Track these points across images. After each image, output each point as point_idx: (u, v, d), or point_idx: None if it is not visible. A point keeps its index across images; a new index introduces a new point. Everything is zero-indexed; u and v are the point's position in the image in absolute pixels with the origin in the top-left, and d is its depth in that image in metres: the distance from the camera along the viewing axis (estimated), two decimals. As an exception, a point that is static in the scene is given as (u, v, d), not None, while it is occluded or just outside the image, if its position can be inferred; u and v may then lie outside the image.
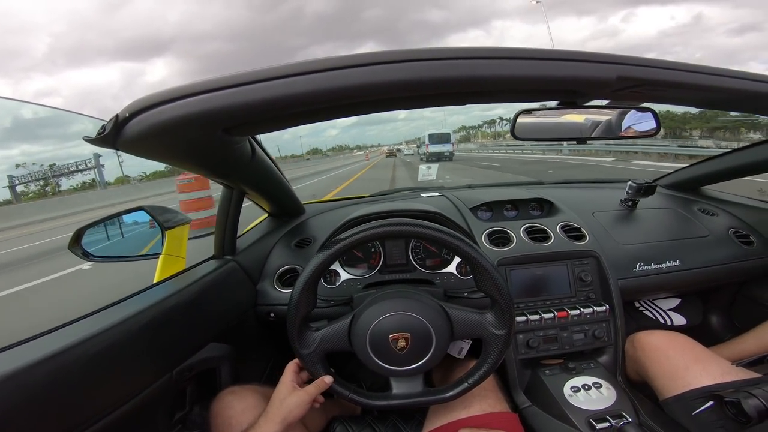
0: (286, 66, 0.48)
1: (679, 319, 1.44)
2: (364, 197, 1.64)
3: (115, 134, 0.50)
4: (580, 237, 1.17)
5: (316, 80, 0.47)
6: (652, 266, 1.16)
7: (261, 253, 1.20)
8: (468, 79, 0.50)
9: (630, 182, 1.32)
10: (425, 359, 0.75)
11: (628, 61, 0.54)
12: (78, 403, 0.61)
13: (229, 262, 1.08)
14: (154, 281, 0.96)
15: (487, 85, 0.52)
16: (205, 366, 0.93)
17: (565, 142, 0.86)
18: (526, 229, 1.19)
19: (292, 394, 0.74)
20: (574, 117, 0.80)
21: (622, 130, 0.83)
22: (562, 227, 1.20)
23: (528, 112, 0.77)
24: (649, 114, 0.82)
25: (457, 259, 1.13)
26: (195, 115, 0.49)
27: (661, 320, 1.43)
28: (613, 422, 0.86)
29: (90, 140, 0.53)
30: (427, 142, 25.28)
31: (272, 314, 1.11)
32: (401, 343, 0.74)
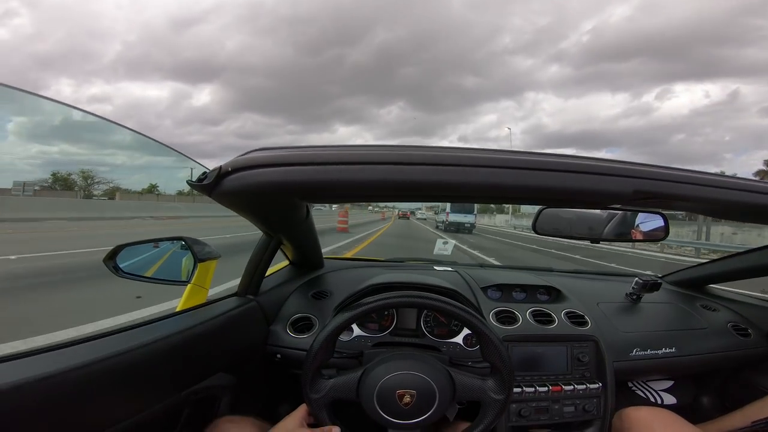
0: (369, 153, 0.56)
1: (669, 399, 1.45)
2: (379, 261, 1.76)
3: (215, 184, 0.59)
4: (583, 323, 1.25)
5: (387, 171, 0.55)
6: (648, 352, 1.23)
7: (279, 297, 1.29)
8: (512, 187, 0.58)
9: (636, 278, 1.41)
10: (426, 416, 0.81)
11: (644, 175, 0.60)
12: (91, 412, 0.65)
13: (250, 302, 1.16)
14: (178, 308, 1.03)
15: (524, 192, 0.61)
16: (209, 393, 0.99)
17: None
18: (532, 312, 1.27)
19: (299, 430, 0.81)
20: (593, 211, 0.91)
21: (633, 229, 0.95)
22: (567, 314, 1.27)
23: (549, 209, 0.90)
24: (660, 218, 0.94)
25: (464, 332, 1.20)
26: (288, 184, 0.57)
27: (652, 399, 1.44)
28: None
29: (192, 184, 0.63)
30: (448, 210, 23.93)
31: (279, 355, 1.17)
32: (407, 399, 0.80)
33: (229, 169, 0.57)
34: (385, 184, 0.58)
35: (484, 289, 1.38)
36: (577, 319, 1.26)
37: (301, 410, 0.85)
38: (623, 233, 0.98)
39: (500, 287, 1.41)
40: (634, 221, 1.00)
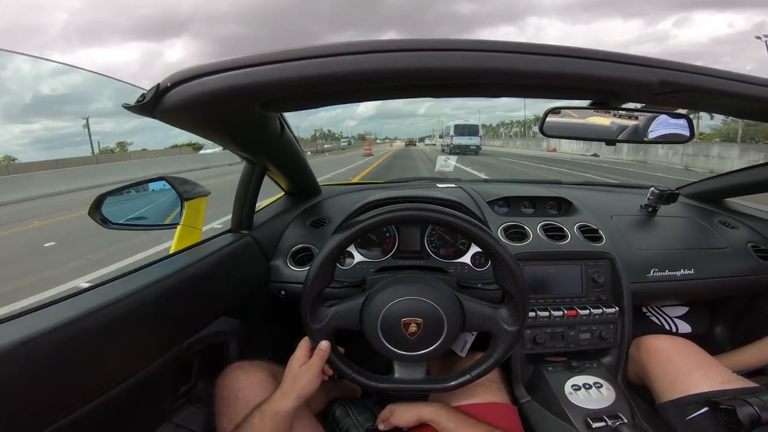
0: (327, 46, 0.49)
1: (684, 327, 1.42)
2: (379, 183, 1.65)
3: (154, 103, 0.52)
4: (597, 238, 1.16)
5: (354, 61, 0.49)
6: (666, 273, 1.15)
7: (276, 230, 1.22)
8: (513, 72, 0.51)
9: (652, 188, 1.30)
10: (433, 347, 0.75)
11: (673, 66, 0.55)
12: (84, 375, 0.61)
13: (245, 237, 1.10)
14: (171, 252, 0.98)
15: (531, 79, 0.53)
16: (215, 340, 0.95)
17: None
18: (543, 226, 1.18)
19: (303, 367, 0.76)
20: (603, 119, 0.80)
21: (652, 134, 0.82)
22: (580, 227, 1.18)
23: (557, 111, 0.78)
24: (684, 121, 0.81)
25: (472, 250, 1.11)
26: (236, 89, 0.50)
27: (667, 327, 1.42)
28: (610, 422, 0.87)
29: (129, 107, 0.55)
30: (452, 133, 24.54)
31: (283, 291, 1.12)
32: (412, 328, 0.74)
33: (168, 84, 0.51)
34: (355, 77, 0.50)
35: (491, 203, 1.29)
36: (591, 233, 1.17)
37: (302, 348, 0.80)
38: (639, 134, 0.85)
39: (508, 201, 1.32)
40: (650, 125, 0.86)
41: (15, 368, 0.51)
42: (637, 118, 0.82)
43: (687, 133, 0.81)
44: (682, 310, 1.45)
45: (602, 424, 0.87)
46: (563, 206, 1.32)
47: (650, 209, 1.31)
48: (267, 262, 1.15)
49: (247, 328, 1.06)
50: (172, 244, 1.04)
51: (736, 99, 0.62)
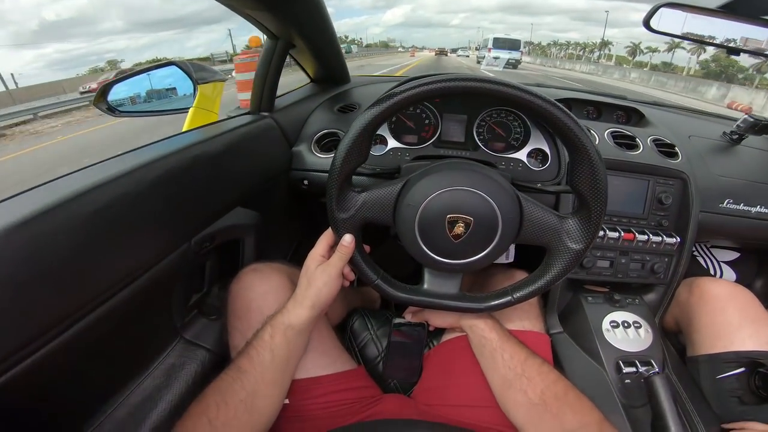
0: None
1: (729, 274, 1.32)
2: (413, 77, 1.48)
3: None
4: (672, 155, 1.01)
5: None
6: (741, 206, 1.02)
7: (300, 115, 1.10)
8: None
9: (746, 116, 1.11)
10: (479, 256, 0.61)
11: None
12: (72, 279, 0.50)
13: (265, 118, 0.99)
14: (182, 130, 0.89)
15: None
16: (228, 236, 0.84)
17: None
18: (611, 132, 1.03)
19: (319, 268, 0.63)
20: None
21: None
22: (654, 140, 1.03)
23: (675, 5, 0.61)
24: None
25: (529, 147, 0.95)
26: None
27: (712, 271, 1.32)
28: (642, 369, 0.81)
29: None
30: (490, 45, 23.01)
31: (306, 181, 1.02)
32: (459, 228, 0.59)
33: None
34: None
35: None
36: (665, 148, 1.02)
37: (321, 243, 0.66)
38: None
39: (569, 103, 1.14)
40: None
41: None
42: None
43: None
44: (733, 255, 1.33)
45: (632, 369, 0.82)
46: (633, 117, 1.16)
47: (736, 137, 1.13)
48: (289, 147, 1.04)
49: (266, 222, 0.96)
50: (184, 125, 0.96)
51: None
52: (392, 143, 0.95)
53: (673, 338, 0.97)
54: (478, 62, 24.51)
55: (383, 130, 0.95)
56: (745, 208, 1.02)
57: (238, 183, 0.86)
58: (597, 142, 0.98)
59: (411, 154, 0.94)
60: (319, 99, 1.16)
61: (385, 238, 0.67)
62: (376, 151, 0.94)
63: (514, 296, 0.64)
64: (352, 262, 0.65)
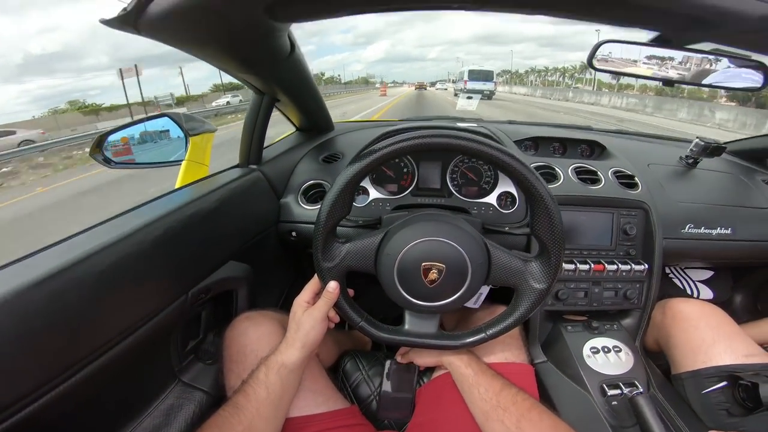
0: None
1: (706, 293, 1.38)
2: (395, 121, 1.55)
3: (138, 12, 0.43)
4: (633, 185, 1.08)
5: None
6: (702, 230, 1.08)
7: (287, 166, 1.15)
8: None
9: (697, 140, 1.20)
10: (452, 299, 0.68)
11: None
12: (82, 331, 0.55)
13: (254, 171, 1.04)
14: (176, 186, 0.93)
15: None
16: (223, 288, 0.89)
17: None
18: (575, 168, 1.10)
19: (306, 312, 0.69)
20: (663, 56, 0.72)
21: (718, 79, 0.74)
22: (615, 173, 1.10)
23: (610, 43, 0.70)
24: (760, 72, 0.71)
25: (498, 190, 1.02)
26: None
27: (689, 290, 1.38)
28: (626, 390, 0.84)
29: (107, 22, 0.47)
30: (466, 78, 24.40)
31: (294, 233, 1.07)
32: (433, 274, 0.66)
33: None
34: None
35: (518, 143, 1.19)
36: (626, 179, 1.09)
37: (307, 291, 0.73)
38: (701, 77, 0.77)
39: (536, 142, 1.22)
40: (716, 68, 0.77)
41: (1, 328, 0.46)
42: (705, 60, 0.74)
43: (761, 82, 0.71)
44: (707, 274, 1.40)
45: (618, 391, 0.85)
46: (596, 150, 1.23)
47: (691, 161, 1.22)
48: (277, 200, 1.09)
49: (257, 274, 1.00)
50: (177, 181, 0.99)
51: None
52: (374, 194, 1.03)
53: (656, 358, 1.00)
54: (456, 94, 25.52)
55: (365, 182, 1.03)
56: (706, 231, 1.08)
57: (231, 238, 0.91)
58: (562, 180, 1.05)
59: (391, 204, 1.02)
60: (305, 148, 1.22)
61: (370, 284, 0.72)
62: (359, 202, 1.02)
63: (488, 333, 0.70)
64: (337, 306, 0.70)
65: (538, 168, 1.08)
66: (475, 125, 1.34)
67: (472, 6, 0.53)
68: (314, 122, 1.29)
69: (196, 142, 1.02)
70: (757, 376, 0.75)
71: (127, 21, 0.45)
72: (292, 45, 0.76)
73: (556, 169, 1.08)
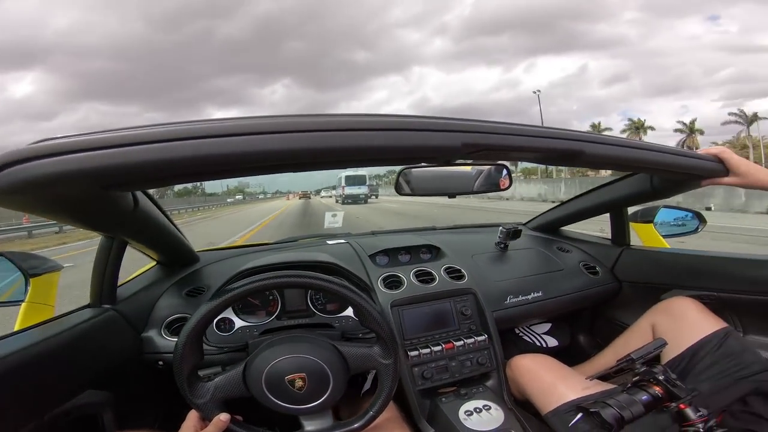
0: (170, 129, 0.48)
1: (552, 341, 1.62)
2: (267, 244, 1.62)
3: None
4: (460, 277, 1.31)
5: (200, 146, 0.48)
6: (520, 298, 1.34)
7: (147, 302, 1.11)
8: (329, 150, 0.55)
9: (501, 227, 1.52)
10: (326, 395, 0.78)
11: (471, 128, 0.62)
12: None
13: (107, 311, 0.98)
14: (15, 330, 0.84)
15: (349, 154, 0.57)
16: (83, 412, 0.86)
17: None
18: (415, 272, 1.30)
19: None
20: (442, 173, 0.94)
21: (480, 185, 0.98)
22: (446, 269, 1.33)
23: (406, 171, 0.90)
24: (503, 169, 0.97)
25: None
26: (67, 174, 0.45)
27: (537, 343, 1.60)
28: None
29: None
30: (343, 184, 26.32)
31: (161, 362, 1.03)
32: (299, 383, 0.76)
33: None
34: (203, 160, 0.49)
35: (372, 256, 1.38)
36: (455, 273, 1.31)
37: (191, 417, 0.76)
38: (468, 186, 1.00)
39: (387, 252, 1.41)
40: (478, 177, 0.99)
41: None
42: (475, 171, 0.97)
43: (507, 181, 0.98)
44: (546, 326, 1.65)
45: None
46: (433, 251, 1.46)
47: (502, 245, 1.52)
48: (138, 335, 1.04)
49: (123, 399, 0.97)
50: (17, 323, 0.92)
51: (527, 152, 0.75)
52: (239, 323, 1.09)
53: (528, 407, 1.13)
54: (337, 201, 26.96)
55: (229, 314, 1.09)
56: (524, 297, 1.35)
57: (84, 370, 0.86)
58: (406, 285, 1.26)
59: (258, 330, 1.09)
60: (165, 283, 1.17)
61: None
62: (225, 332, 1.07)
63: (373, 411, 0.82)
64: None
65: (387, 277, 1.27)
66: (342, 240, 1.52)
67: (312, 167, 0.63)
68: (174, 257, 1.26)
69: (39, 281, 0.96)
70: (596, 404, 0.88)
71: None
72: (136, 200, 0.77)
73: (401, 276, 1.28)
